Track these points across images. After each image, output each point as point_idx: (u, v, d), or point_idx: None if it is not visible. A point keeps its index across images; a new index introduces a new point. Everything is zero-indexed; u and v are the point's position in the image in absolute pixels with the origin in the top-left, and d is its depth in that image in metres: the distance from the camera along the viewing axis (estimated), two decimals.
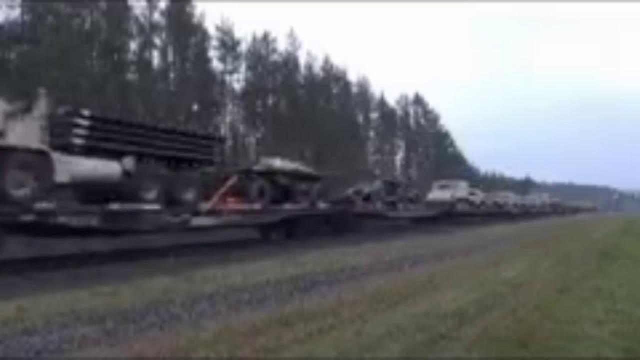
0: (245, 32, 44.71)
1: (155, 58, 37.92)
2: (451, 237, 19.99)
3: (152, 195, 12.33)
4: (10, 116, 9.62)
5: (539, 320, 5.66)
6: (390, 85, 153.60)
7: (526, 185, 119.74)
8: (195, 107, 39.90)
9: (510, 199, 49.38)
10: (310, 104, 49.61)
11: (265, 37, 46.55)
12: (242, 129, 46.08)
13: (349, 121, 57.25)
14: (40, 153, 9.98)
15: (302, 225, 18.30)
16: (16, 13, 28.18)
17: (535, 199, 60.74)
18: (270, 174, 17.12)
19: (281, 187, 17.38)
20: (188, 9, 38.87)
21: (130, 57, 35.35)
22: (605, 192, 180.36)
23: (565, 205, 77.01)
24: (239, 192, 15.54)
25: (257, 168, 17.33)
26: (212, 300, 6.85)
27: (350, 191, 23.59)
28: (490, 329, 5.33)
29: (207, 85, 40.10)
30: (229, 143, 42.83)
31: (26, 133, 9.85)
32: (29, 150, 9.76)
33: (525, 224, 33.93)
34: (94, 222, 10.86)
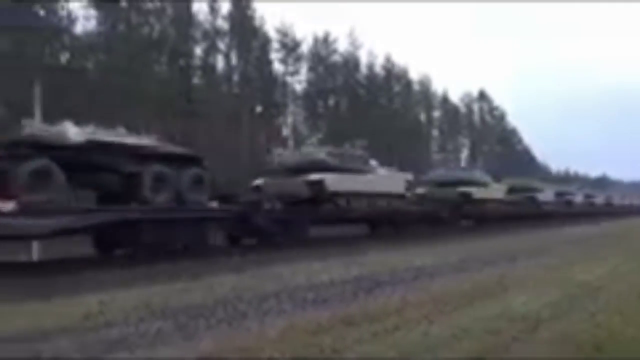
0: (305, 33, 44.95)
1: (219, 62, 39.14)
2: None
3: None
4: None
5: (619, 325, 5.31)
6: (453, 82, 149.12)
7: (601, 183, 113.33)
8: (259, 109, 40.75)
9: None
10: (371, 103, 49.31)
11: (326, 37, 46.76)
12: (303, 129, 46.56)
13: (411, 119, 56.38)
14: None
15: (150, 235, 11.61)
16: (92, 23, 29.99)
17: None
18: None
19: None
20: (249, 12, 39.74)
21: (196, 61, 36.66)
22: None
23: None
24: None
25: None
26: (277, 298, 6.95)
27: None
28: (567, 333, 5.06)
29: (269, 86, 40.85)
30: (290, 143, 43.44)
31: None
32: None
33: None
34: None
